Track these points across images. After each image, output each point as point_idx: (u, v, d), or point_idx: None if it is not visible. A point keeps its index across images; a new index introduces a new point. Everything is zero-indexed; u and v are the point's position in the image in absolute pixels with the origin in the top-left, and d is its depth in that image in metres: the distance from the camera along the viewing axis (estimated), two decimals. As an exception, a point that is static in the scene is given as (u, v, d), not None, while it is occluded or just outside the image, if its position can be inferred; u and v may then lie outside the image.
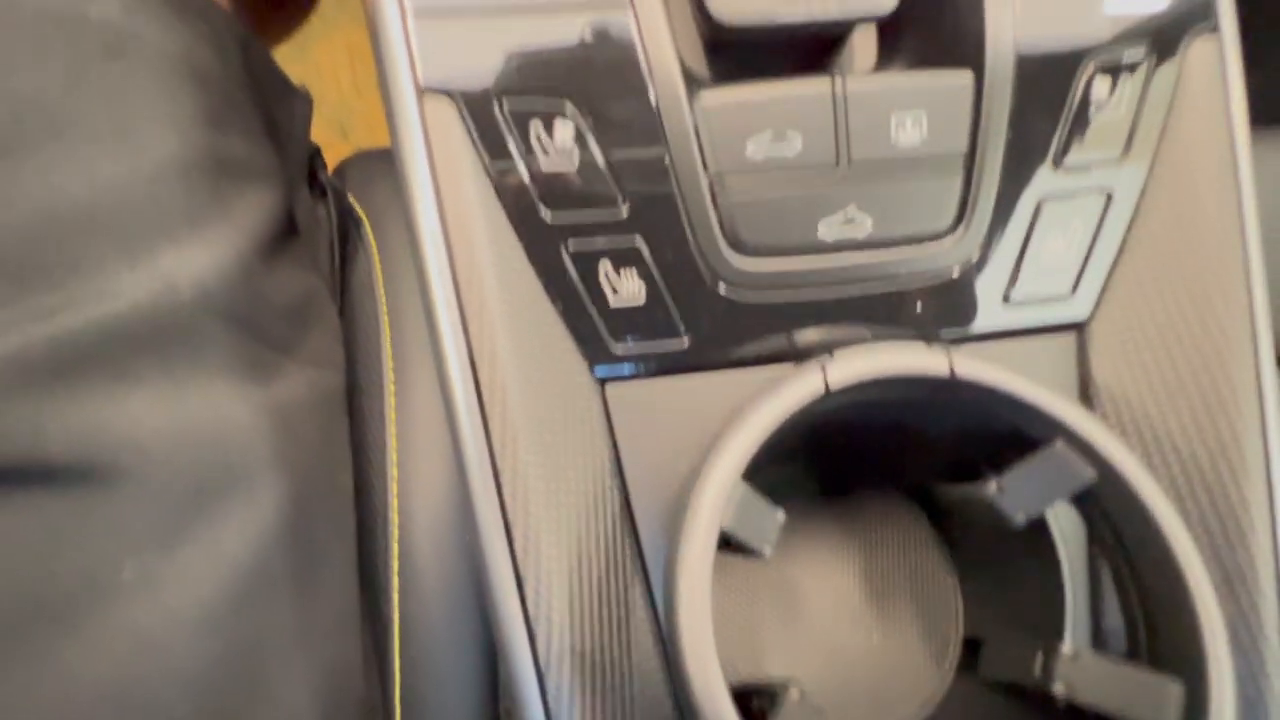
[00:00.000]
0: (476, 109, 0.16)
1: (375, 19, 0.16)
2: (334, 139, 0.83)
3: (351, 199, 0.33)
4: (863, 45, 0.20)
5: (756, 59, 0.19)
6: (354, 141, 0.88)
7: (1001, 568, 0.19)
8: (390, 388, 0.27)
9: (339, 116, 0.84)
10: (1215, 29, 0.18)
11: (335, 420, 0.26)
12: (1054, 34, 0.17)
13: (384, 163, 0.35)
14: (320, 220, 0.33)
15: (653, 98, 0.16)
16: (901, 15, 0.18)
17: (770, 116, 0.17)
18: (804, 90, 0.17)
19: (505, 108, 0.16)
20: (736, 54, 0.19)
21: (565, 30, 0.16)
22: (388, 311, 0.30)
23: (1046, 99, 0.17)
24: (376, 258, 0.31)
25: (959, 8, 0.18)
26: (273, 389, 0.22)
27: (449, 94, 0.16)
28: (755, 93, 0.17)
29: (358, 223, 0.33)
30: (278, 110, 0.30)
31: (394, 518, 0.23)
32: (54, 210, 0.19)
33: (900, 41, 0.19)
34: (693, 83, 0.18)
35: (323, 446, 0.24)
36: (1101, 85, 0.17)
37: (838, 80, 0.17)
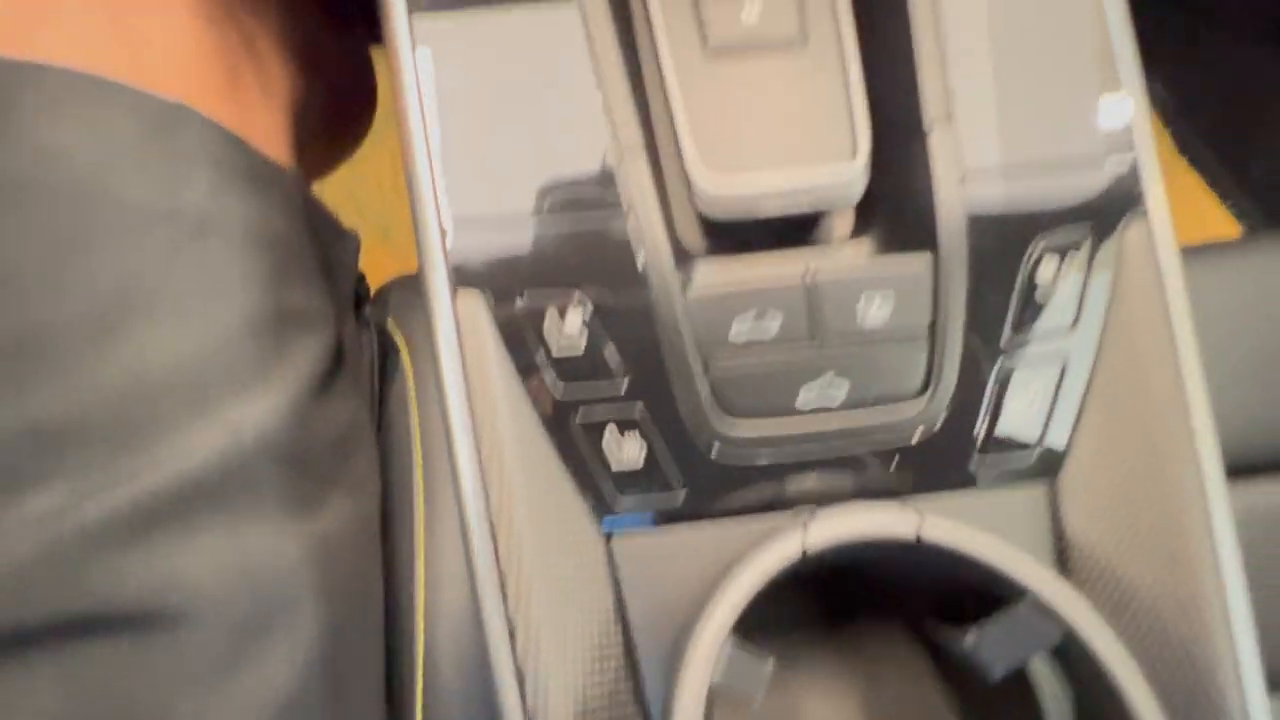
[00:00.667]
0: (501, 301, 0.19)
1: (420, 227, 0.19)
2: (376, 241, 0.89)
3: (391, 324, 0.37)
4: (842, 214, 0.23)
5: (747, 229, 0.22)
6: (394, 241, 0.95)
7: (995, 711, 0.20)
8: (420, 515, 0.29)
9: (382, 220, 0.91)
10: (1148, 212, 0.20)
11: (370, 545, 0.28)
12: (1001, 221, 0.20)
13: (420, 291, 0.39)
14: (363, 346, 0.36)
15: (649, 287, 0.19)
16: (870, 195, 0.21)
17: (751, 301, 0.19)
18: (781, 275, 0.19)
19: (525, 299, 0.19)
20: (729, 226, 0.22)
21: (576, 232, 0.19)
22: (420, 438, 0.32)
23: (999, 278, 0.19)
24: (411, 384, 0.34)
25: (915, 197, 0.20)
26: (318, 521, 0.25)
27: (478, 289, 0.19)
28: (738, 280, 0.19)
29: (395, 349, 0.36)
30: (331, 252, 0.34)
31: (419, 647, 0.25)
32: (144, 379, 0.22)
33: (872, 215, 0.22)
34: (685, 259, 0.20)
35: (358, 573, 0.26)
36: (1048, 264, 0.20)
37: (810, 267, 0.19)
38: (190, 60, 0.28)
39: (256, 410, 0.24)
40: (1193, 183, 0.85)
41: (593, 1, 0.21)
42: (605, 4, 0.21)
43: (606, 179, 0.19)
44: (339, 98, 0.45)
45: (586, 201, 0.19)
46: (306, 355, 0.27)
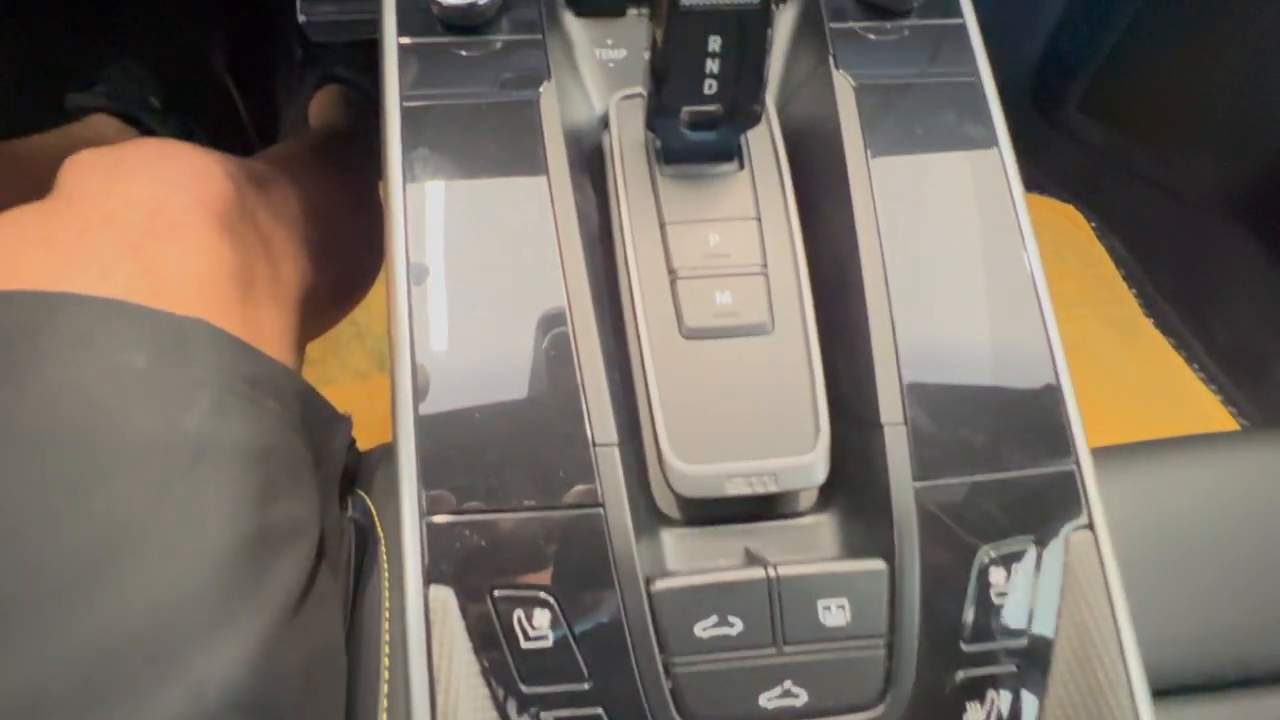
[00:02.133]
0: (471, 597, 0.20)
1: (403, 522, 0.20)
2: (373, 367, 0.92)
3: (371, 505, 0.37)
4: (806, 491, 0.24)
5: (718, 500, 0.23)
6: (388, 371, 0.97)
7: None
8: (382, 739, 0.28)
9: (380, 347, 0.94)
10: (1090, 526, 0.21)
11: None
12: (951, 529, 0.21)
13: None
14: (344, 536, 0.36)
15: (617, 589, 0.20)
16: (834, 471, 0.22)
17: (714, 603, 0.20)
18: (742, 580, 0.20)
19: (495, 596, 0.20)
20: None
21: (547, 529, 0.20)
22: (389, 652, 0.32)
23: (951, 586, 0.20)
24: (386, 584, 0.34)
25: (873, 485, 0.22)
26: None
27: (449, 584, 0.20)
28: (702, 581, 0.20)
29: (376, 541, 0.36)
30: (322, 440, 0.34)
31: None
32: (112, 640, 0.22)
33: (835, 490, 0.23)
34: (655, 533, 0.21)
35: None
36: (998, 573, 0.21)
37: (771, 570, 0.20)
38: (206, 278, 0.30)
39: (224, 659, 0.23)
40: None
41: (576, 282, 0.23)
42: (589, 289, 0.23)
43: (581, 475, 0.21)
44: (351, 270, 0.47)
45: (559, 497, 0.20)
46: (284, 577, 0.27)
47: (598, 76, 0.29)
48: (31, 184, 0.31)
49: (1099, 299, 0.92)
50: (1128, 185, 0.95)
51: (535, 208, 0.24)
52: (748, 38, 0.21)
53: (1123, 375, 0.86)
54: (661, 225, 0.25)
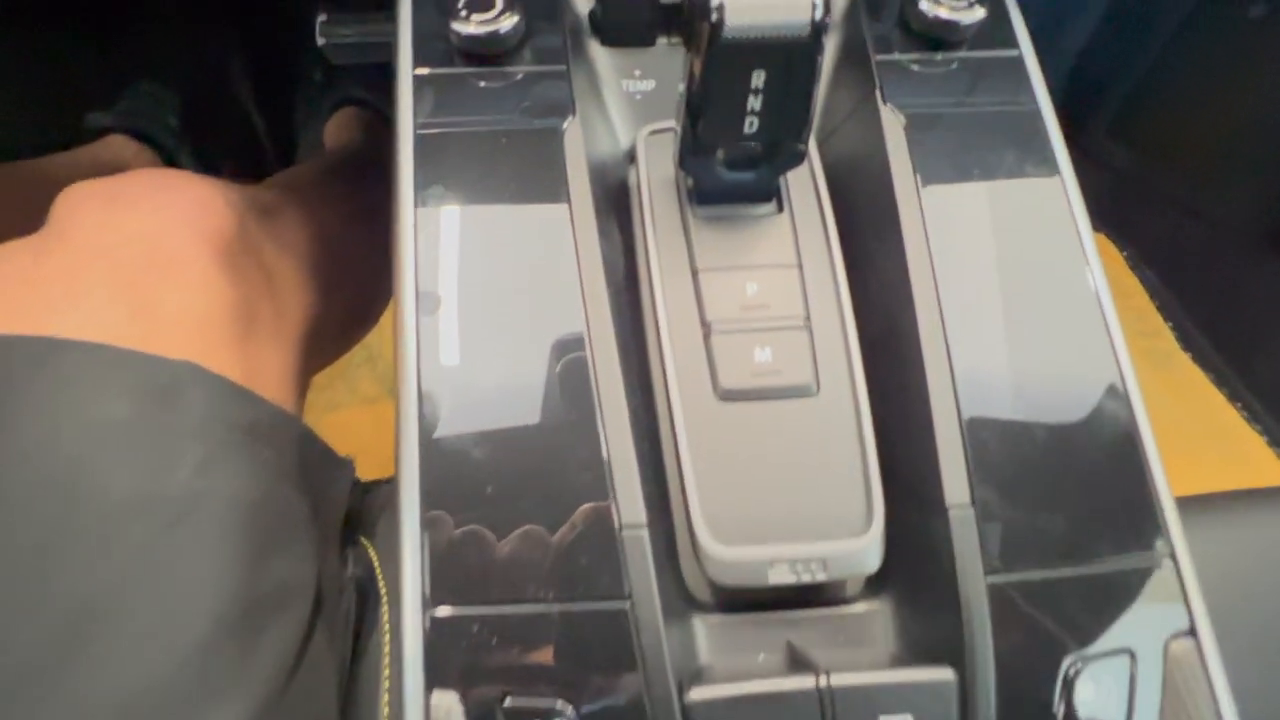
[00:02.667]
0: (478, 706, 0.17)
1: (404, 614, 0.18)
2: (381, 394, 0.90)
3: (373, 556, 0.34)
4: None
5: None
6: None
7: None
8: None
9: (390, 373, 0.92)
10: (1193, 631, 0.18)
11: None
12: (1032, 636, 0.18)
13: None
14: (344, 586, 0.34)
15: (645, 700, 0.17)
16: (885, 559, 0.20)
17: (758, 718, 0.17)
18: (790, 690, 0.18)
19: (506, 706, 0.17)
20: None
21: (566, 627, 0.18)
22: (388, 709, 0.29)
23: (1032, 701, 0.18)
24: (386, 653, 0.32)
25: (936, 574, 0.19)
26: None
27: (454, 688, 0.17)
28: (744, 691, 0.18)
29: (377, 599, 0.33)
30: (321, 485, 0.32)
31: None
32: None
33: (886, 579, 0.21)
34: (688, 625, 0.18)
35: None
36: (1086, 688, 0.18)
37: (823, 679, 0.18)
38: (204, 317, 0.28)
39: None
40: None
41: (600, 337, 0.21)
42: (614, 343, 0.21)
43: (605, 562, 0.18)
44: (360, 299, 0.46)
45: (579, 588, 0.18)
46: (275, 648, 0.24)
47: (624, 109, 0.27)
48: (46, 205, 0.30)
49: (1134, 331, 0.88)
50: (1160, 213, 0.92)
51: (555, 247, 0.22)
52: (795, 71, 0.19)
53: (1160, 412, 0.82)
54: (694, 273, 0.23)
